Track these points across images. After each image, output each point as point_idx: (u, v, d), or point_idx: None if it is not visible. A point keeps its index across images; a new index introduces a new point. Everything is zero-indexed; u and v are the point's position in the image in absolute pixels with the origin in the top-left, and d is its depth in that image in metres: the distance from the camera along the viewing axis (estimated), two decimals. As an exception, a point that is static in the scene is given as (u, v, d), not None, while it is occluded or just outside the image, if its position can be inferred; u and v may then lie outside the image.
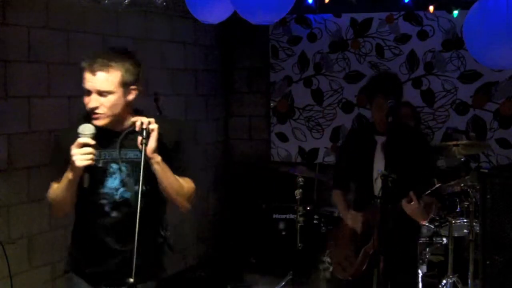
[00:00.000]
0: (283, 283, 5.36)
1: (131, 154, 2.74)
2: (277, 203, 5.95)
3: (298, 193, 5.27)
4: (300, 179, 5.30)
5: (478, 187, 3.92)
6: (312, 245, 5.37)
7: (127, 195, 2.74)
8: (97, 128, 2.65)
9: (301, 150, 6.49)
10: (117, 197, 2.74)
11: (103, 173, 2.74)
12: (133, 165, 2.73)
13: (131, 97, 2.73)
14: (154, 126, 2.62)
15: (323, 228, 5.46)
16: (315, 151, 6.42)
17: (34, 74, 4.48)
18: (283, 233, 5.77)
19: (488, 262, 3.49)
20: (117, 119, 2.73)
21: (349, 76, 6.23)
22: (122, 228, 2.73)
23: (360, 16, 6.13)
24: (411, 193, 3.53)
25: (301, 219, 5.31)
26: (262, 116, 6.70)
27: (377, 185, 3.66)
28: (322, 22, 6.28)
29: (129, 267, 2.53)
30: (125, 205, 2.74)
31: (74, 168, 2.59)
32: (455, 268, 4.72)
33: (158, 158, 2.66)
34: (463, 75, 5.80)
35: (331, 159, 6.34)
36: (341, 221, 4.09)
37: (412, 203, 3.53)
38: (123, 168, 2.74)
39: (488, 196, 3.48)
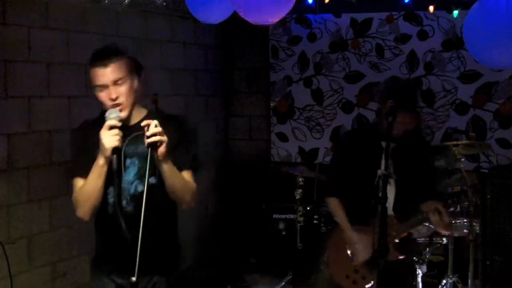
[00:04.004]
0: (283, 283, 5.36)
1: (141, 148, 2.78)
2: (277, 203, 5.95)
3: (298, 193, 5.28)
4: (300, 179, 5.31)
5: (478, 187, 3.93)
6: (312, 245, 5.36)
7: (141, 188, 2.78)
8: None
9: (301, 150, 6.49)
10: (132, 191, 2.82)
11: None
12: (142, 159, 2.78)
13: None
14: (164, 139, 2.65)
15: (323, 228, 5.46)
16: (315, 151, 6.42)
17: (34, 74, 4.48)
18: (283, 233, 5.77)
19: (488, 262, 3.50)
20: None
21: (349, 76, 6.22)
22: (136, 220, 2.71)
23: (360, 16, 6.12)
24: (440, 207, 3.43)
25: (301, 219, 5.32)
26: (262, 116, 6.69)
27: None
28: (322, 22, 6.28)
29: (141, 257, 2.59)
30: (139, 198, 2.77)
31: (104, 150, 2.67)
32: (455, 268, 4.72)
33: (167, 160, 2.73)
34: (463, 75, 5.80)
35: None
36: (343, 233, 3.81)
37: (445, 218, 3.43)
38: (136, 162, 2.81)
39: (488, 196, 3.49)
